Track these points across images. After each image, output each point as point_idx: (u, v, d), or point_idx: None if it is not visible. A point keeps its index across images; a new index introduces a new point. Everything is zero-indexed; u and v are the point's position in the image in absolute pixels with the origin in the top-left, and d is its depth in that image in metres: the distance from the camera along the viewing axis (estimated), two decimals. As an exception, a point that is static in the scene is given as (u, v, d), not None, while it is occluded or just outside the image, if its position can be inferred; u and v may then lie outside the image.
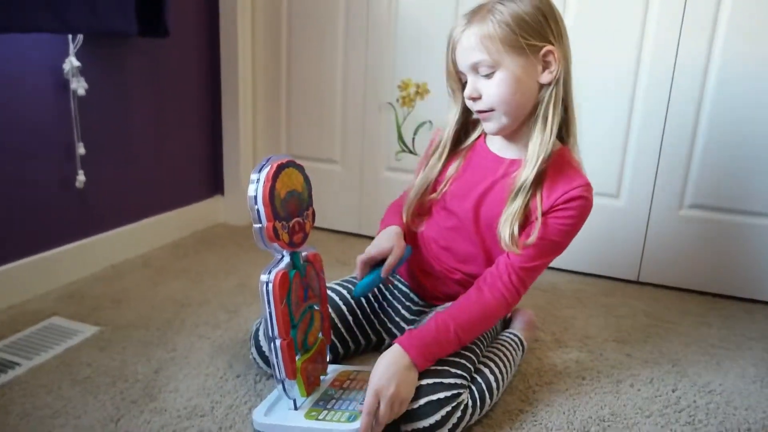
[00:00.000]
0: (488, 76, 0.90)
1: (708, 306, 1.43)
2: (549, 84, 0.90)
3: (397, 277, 1.11)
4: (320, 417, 0.85)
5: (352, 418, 0.84)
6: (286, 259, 0.85)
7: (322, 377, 0.95)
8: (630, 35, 1.42)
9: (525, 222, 0.92)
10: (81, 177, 1.34)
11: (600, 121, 1.49)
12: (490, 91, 0.90)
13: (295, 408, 0.87)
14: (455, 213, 1.01)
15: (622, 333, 1.26)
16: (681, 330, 1.29)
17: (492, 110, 0.92)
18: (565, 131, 0.96)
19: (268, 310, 0.82)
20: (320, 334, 0.94)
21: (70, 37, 1.27)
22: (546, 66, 0.90)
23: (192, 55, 1.70)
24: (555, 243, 0.93)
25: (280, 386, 0.86)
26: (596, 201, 1.52)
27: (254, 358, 1.01)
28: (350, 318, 1.05)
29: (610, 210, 1.54)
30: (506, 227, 0.91)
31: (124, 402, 0.93)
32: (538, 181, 0.92)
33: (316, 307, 0.92)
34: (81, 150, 1.33)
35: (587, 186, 0.93)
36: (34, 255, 1.29)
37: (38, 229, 1.29)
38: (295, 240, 0.85)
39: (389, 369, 0.83)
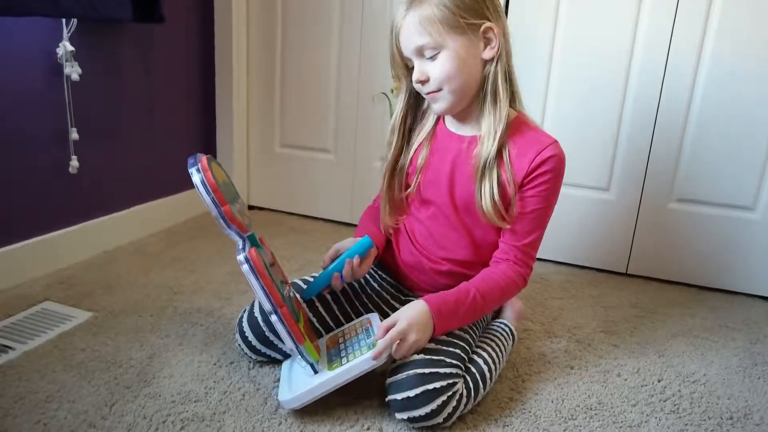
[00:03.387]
0: (433, 57, 0.92)
1: (693, 298, 1.46)
2: (492, 59, 0.93)
3: (385, 270, 1.13)
4: (343, 363, 0.87)
5: (372, 346, 0.87)
6: (248, 242, 0.88)
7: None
8: (622, 29, 1.44)
9: (504, 194, 0.95)
10: (74, 163, 1.34)
11: (591, 116, 1.50)
12: (436, 72, 0.92)
13: (315, 372, 0.89)
14: (432, 201, 1.03)
15: (609, 324, 1.29)
16: (667, 321, 1.32)
17: (440, 90, 0.94)
18: (514, 100, 1.00)
19: (258, 285, 0.84)
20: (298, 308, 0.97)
21: (63, 21, 1.26)
22: (487, 42, 0.93)
23: (186, 41, 1.69)
24: (544, 209, 0.97)
25: (287, 362, 0.91)
26: (587, 194, 1.56)
27: (239, 345, 1.03)
28: (335, 307, 1.05)
29: (601, 203, 1.56)
30: (488, 204, 0.94)
31: (119, 387, 0.93)
32: (503, 152, 0.95)
33: (283, 282, 0.95)
34: (74, 135, 1.33)
35: (555, 143, 0.96)
36: (26, 240, 1.28)
37: (30, 215, 1.29)
38: (246, 222, 0.88)
39: (421, 317, 0.88)
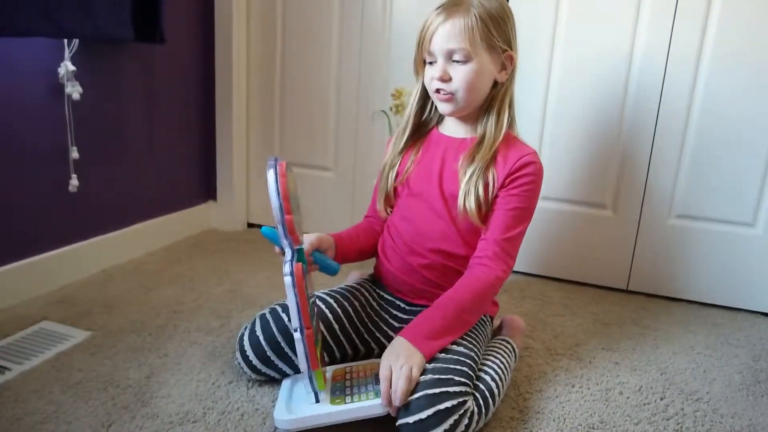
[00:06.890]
0: (461, 62, 0.99)
1: (694, 314, 1.45)
2: (502, 82, 1.03)
3: (381, 285, 1.13)
4: (347, 401, 0.87)
5: (379, 394, 0.86)
6: (296, 255, 0.88)
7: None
8: (619, 46, 1.45)
9: (486, 196, 1.00)
10: (74, 181, 1.34)
11: (590, 132, 1.51)
12: (460, 77, 0.99)
13: (317, 401, 0.88)
14: (421, 193, 1.07)
15: (610, 341, 1.28)
16: (668, 338, 1.31)
17: (454, 94, 1.01)
18: (512, 125, 1.08)
19: (294, 301, 0.84)
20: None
21: (65, 41, 1.27)
22: (503, 67, 1.02)
23: (187, 61, 1.71)
24: (524, 209, 1.02)
25: (290, 380, 0.91)
26: (586, 211, 1.57)
27: (239, 363, 1.02)
28: (336, 326, 1.04)
29: (600, 220, 1.55)
30: (470, 199, 0.99)
31: (116, 407, 0.92)
32: (490, 160, 1.02)
33: (315, 300, 0.96)
34: (74, 154, 1.33)
35: (535, 152, 1.04)
36: (25, 259, 1.28)
37: (30, 233, 1.29)
38: (301, 236, 0.90)
39: (398, 348, 0.89)
